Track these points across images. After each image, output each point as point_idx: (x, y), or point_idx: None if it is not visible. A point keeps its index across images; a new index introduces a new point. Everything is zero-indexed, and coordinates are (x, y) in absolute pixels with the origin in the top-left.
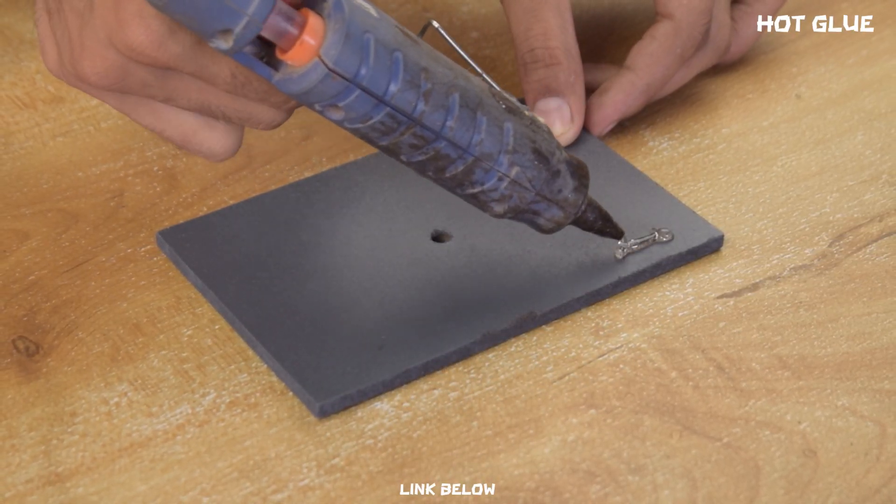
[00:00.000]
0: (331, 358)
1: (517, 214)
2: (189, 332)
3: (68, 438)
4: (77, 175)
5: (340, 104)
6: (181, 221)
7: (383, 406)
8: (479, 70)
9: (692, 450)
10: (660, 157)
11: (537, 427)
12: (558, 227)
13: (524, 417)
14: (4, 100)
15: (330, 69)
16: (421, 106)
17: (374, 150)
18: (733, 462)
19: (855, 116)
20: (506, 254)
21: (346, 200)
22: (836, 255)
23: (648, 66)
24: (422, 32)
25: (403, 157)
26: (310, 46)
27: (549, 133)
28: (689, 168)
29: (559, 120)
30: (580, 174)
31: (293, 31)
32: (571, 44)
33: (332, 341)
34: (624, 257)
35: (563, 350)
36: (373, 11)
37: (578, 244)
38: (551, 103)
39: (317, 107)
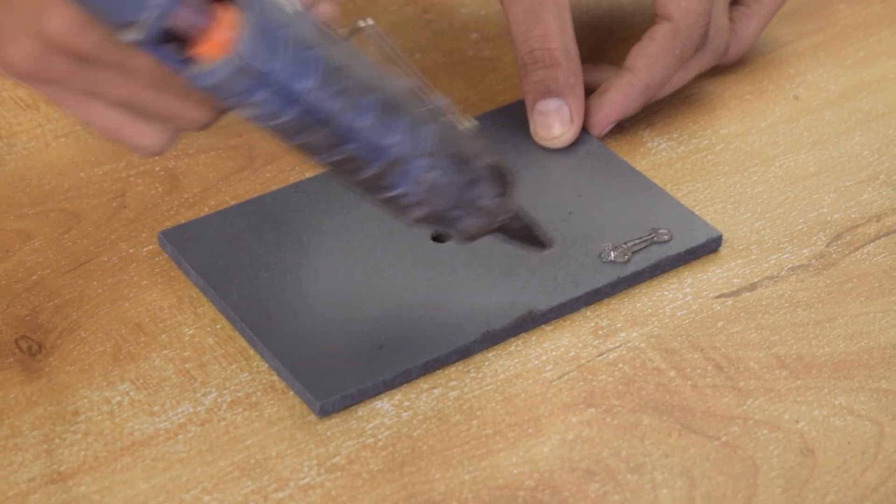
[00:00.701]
0: (331, 357)
1: (435, 221)
2: (191, 332)
3: (70, 437)
4: (79, 175)
5: (252, 100)
6: (183, 221)
7: (384, 405)
8: (412, 70)
9: (691, 448)
10: (658, 157)
11: (537, 426)
12: (478, 235)
13: (524, 416)
14: (7, 101)
15: (242, 63)
16: (336, 105)
17: None
18: (731, 461)
19: (852, 117)
20: (505, 254)
21: (347, 201)
22: (834, 255)
23: (647, 67)
24: (352, 33)
25: (317, 157)
26: (222, 40)
27: (475, 139)
28: (688, 168)
29: (559, 121)
30: (503, 181)
31: (205, 23)
32: (571, 45)
33: (333, 340)
34: (627, 259)
35: (562, 349)
36: (289, 8)
37: (577, 244)
38: (551, 104)
39: (230, 102)
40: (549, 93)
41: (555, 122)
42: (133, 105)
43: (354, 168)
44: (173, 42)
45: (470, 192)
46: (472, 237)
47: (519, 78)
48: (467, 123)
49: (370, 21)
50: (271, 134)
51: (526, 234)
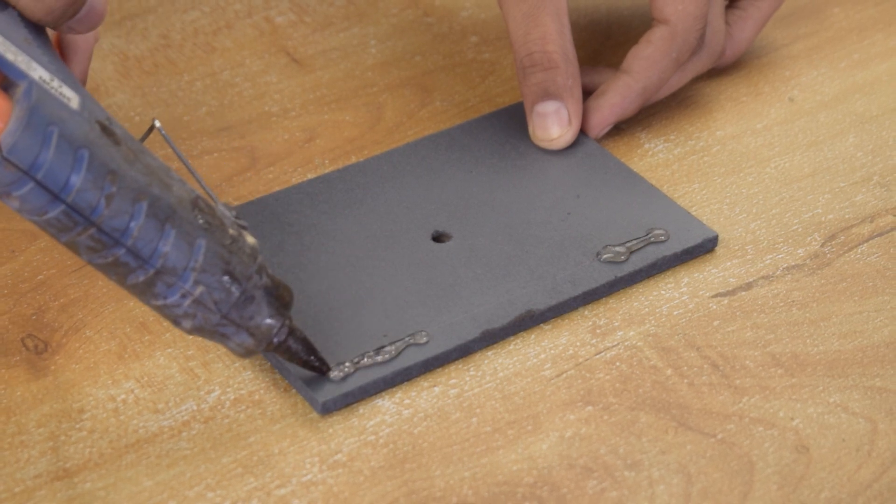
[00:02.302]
0: (333, 356)
1: (205, 334)
2: None
3: (76, 435)
4: None
5: (15, 194)
6: None
7: (384, 403)
8: (197, 177)
9: (687, 446)
10: (655, 158)
11: (535, 423)
12: (249, 353)
13: (522, 414)
14: None
15: (3, 156)
16: (101, 209)
17: (375, 153)
18: (727, 458)
19: (847, 119)
20: (505, 254)
21: (349, 202)
22: (828, 255)
23: (644, 69)
24: (146, 134)
25: (86, 257)
26: None
27: (252, 255)
28: (684, 170)
29: (557, 123)
30: (280, 302)
31: None
32: (569, 48)
33: (334, 339)
34: (625, 259)
35: (560, 348)
36: (74, 104)
37: (576, 244)
38: (549, 106)
39: None
40: (547, 95)
41: (553, 124)
42: None
43: (122, 273)
44: None
45: (241, 311)
46: (244, 355)
47: (518, 80)
48: (250, 240)
49: (157, 123)
50: (41, 228)
51: (304, 357)
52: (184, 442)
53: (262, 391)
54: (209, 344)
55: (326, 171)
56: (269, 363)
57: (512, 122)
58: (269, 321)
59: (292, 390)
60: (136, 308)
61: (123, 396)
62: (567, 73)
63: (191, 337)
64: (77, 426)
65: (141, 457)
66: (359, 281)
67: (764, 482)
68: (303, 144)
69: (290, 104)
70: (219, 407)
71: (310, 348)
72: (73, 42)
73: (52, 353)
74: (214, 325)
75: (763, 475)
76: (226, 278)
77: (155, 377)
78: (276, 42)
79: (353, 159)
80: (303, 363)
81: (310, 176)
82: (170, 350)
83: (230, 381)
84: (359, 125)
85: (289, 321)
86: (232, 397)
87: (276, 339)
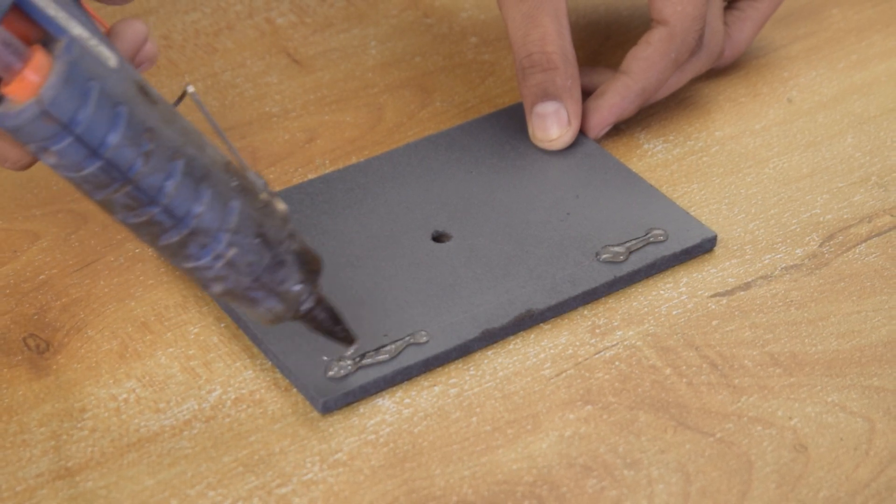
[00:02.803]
0: (334, 355)
1: (234, 298)
2: (196, 330)
3: (78, 434)
4: None
5: (53, 148)
6: None
7: (385, 402)
8: (228, 143)
9: (686, 445)
10: (654, 159)
11: (535, 423)
12: (278, 319)
13: (522, 413)
14: None
15: (44, 109)
16: (138, 166)
17: (375, 153)
18: (726, 457)
19: (845, 120)
20: (504, 254)
21: (349, 202)
22: (827, 255)
23: (643, 70)
24: (179, 99)
25: (119, 216)
26: (30, 83)
27: (284, 220)
28: (683, 170)
29: (556, 123)
30: (310, 268)
31: (16, 63)
32: (568, 49)
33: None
34: (624, 259)
35: (560, 347)
36: (112, 62)
37: (575, 244)
38: (549, 107)
39: (33, 147)
40: (546, 96)
41: (553, 125)
42: None
43: (155, 233)
44: None
45: (272, 275)
46: (272, 321)
47: (517, 81)
48: (281, 206)
49: (190, 89)
50: (74, 185)
51: (330, 327)
52: (185, 441)
53: (262, 390)
54: (210, 343)
55: (327, 171)
56: (269, 363)
57: (511, 122)
58: (298, 287)
59: (293, 390)
60: (138, 308)
61: (125, 396)
62: (566, 73)
63: (191, 337)
64: (79, 425)
65: (142, 456)
66: (359, 280)
67: (762, 481)
68: (303, 145)
69: (291, 105)
70: (220, 406)
71: (335, 319)
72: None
73: (53, 352)
74: (245, 288)
75: (761, 474)
76: (258, 241)
77: (156, 376)
78: (276, 43)
79: (354, 160)
80: (328, 333)
81: (310, 176)
82: (171, 350)
83: (231, 381)
84: (359, 126)
85: (317, 289)
86: (233, 396)
87: (304, 307)
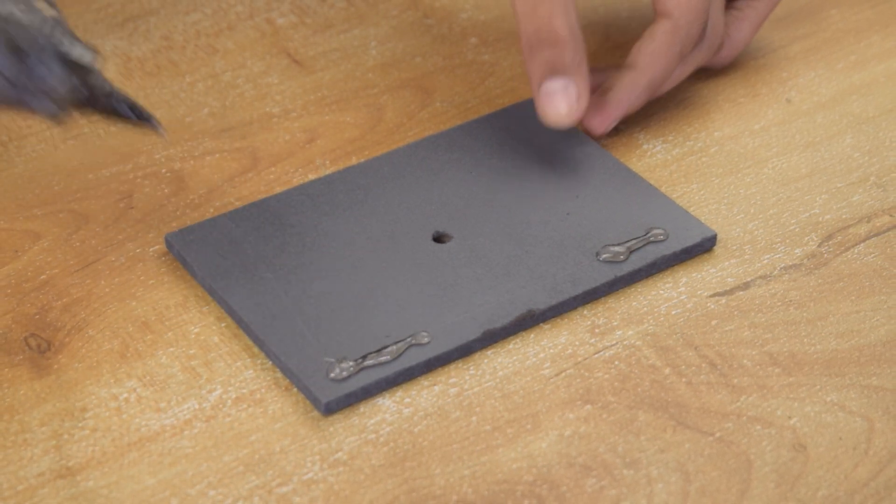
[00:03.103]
0: (334, 355)
1: (12, 106)
2: (196, 330)
3: (79, 433)
4: (87, 177)
5: None
6: (189, 222)
7: (385, 402)
8: None
9: (685, 444)
10: (654, 159)
11: (535, 422)
12: (58, 119)
13: (522, 413)
14: None
15: None
16: None
17: (375, 154)
18: (725, 456)
19: (844, 120)
20: (505, 254)
21: (349, 202)
22: (826, 255)
23: (650, 64)
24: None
25: None
26: None
27: (43, 21)
28: (683, 170)
29: (565, 100)
30: (76, 63)
31: None
32: (575, 25)
33: (336, 339)
34: (624, 258)
35: (559, 347)
36: None
37: (575, 244)
38: (557, 83)
39: None
40: (555, 72)
41: (562, 101)
42: None
43: None
44: None
45: (31, 75)
46: (60, 118)
47: (524, 59)
48: (52, 11)
49: None
50: None
51: (113, 109)
52: (186, 440)
53: (263, 390)
54: (211, 343)
55: (327, 171)
56: (270, 362)
57: (511, 122)
58: (62, 81)
59: (293, 389)
60: (139, 308)
61: (126, 395)
62: (575, 49)
63: (192, 336)
64: (80, 425)
65: (143, 455)
66: (361, 282)
67: (761, 480)
68: (304, 145)
69: (292, 105)
70: (220, 406)
71: (125, 101)
72: None
73: (54, 352)
74: (13, 95)
75: (761, 473)
76: (7, 46)
77: (157, 376)
78: (277, 43)
79: (354, 160)
80: (123, 119)
81: (311, 177)
82: (172, 349)
83: (232, 381)
84: (359, 126)
85: (92, 79)
86: (233, 396)
87: (78, 97)
